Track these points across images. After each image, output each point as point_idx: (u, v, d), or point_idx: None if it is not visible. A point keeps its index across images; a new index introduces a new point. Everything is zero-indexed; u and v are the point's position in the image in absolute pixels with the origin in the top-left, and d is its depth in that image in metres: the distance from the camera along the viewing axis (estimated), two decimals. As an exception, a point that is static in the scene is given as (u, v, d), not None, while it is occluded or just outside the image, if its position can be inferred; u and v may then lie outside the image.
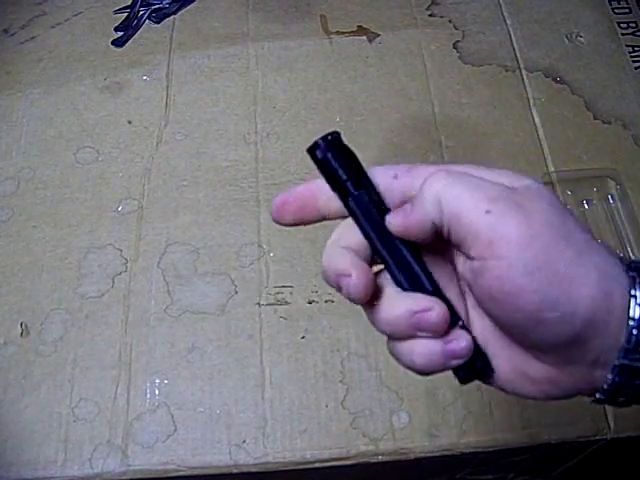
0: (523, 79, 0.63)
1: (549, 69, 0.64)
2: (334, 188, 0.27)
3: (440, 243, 0.27)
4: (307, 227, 0.55)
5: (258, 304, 0.52)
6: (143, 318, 0.51)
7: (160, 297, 0.52)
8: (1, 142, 0.61)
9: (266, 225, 0.56)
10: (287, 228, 0.56)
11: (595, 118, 0.61)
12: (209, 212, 0.56)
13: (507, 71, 0.64)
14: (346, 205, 0.27)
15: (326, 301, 0.52)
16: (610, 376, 0.24)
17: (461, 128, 0.61)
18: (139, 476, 0.46)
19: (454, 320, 0.26)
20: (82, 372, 0.49)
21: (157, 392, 0.48)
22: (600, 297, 0.23)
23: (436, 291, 0.26)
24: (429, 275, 0.27)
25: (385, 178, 0.28)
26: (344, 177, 0.27)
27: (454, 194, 0.25)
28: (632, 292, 0.23)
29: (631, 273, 0.24)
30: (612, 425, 0.47)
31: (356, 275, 0.26)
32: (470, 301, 0.27)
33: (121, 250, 0.55)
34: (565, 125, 0.60)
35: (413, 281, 0.26)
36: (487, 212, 0.24)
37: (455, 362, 0.26)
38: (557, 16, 0.68)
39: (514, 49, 0.65)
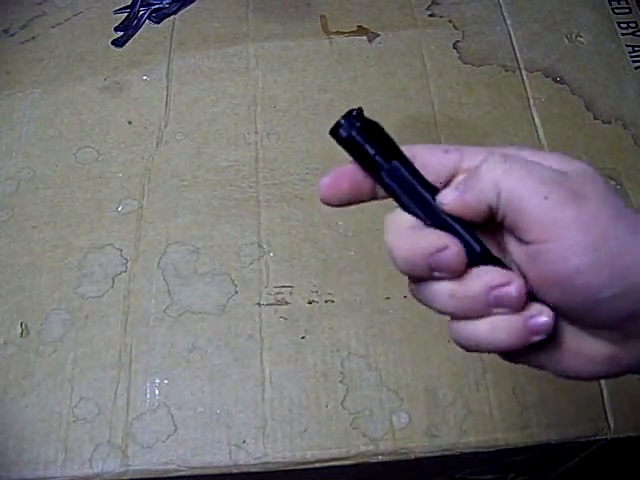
0: (523, 79, 0.63)
1: (549, 69, 0.64)
2: (365, 166, 0.26)
3: (487, 225, 0.26)
4: (307, 227, 0.56)
5: (258, 304, 0.52)
6: (143, 318, 0.51)
7: (160, 297, 0.52)
8: (1, 142, 0.61)
9: (266, 225, 0.56)
10: (287, 228, 0.56)
11: (595, 118, 0.61)
12: (209, 212, 0.56)
13: (507, 71, 0.64)
14: (380, 181, 0.26)
15: (326, 301, 0.52)
16: None
17: (461, 128, 0.61)
18: (139, 476, 0.46)
19: (531, 294, 0.25)
20: (82, 372, 0.49)
21: (157, 392, 0.48)
22: None
23: (500, 264, 0.26)
24: (486, 248, 0.26)
25: (435, 153, 0.27)
26: (372, 152, 0.26)
27: (514, 179, 0.24)
28: None
29: None
30: (612, 425, 0.47)
31: (453, 243, 0.25)
32: None
33: (121, 250, 0.55)
34: (565, 125, 0.60)
35: (472, 254, 0.25)
36: (545, 197, 0.24)
37: (537, 338, 0.25)
38: (557, 16, 0.68)
39: (514, 49, 0.65)
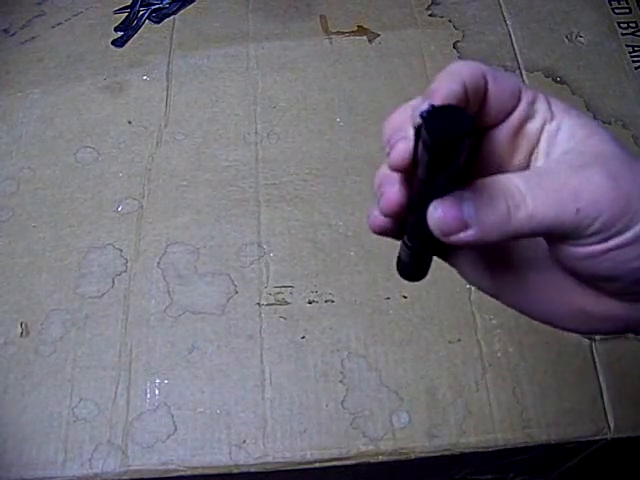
0: (523, 79, 0.63)
1: (549, 69, 0.64)
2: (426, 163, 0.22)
3: None
4: (307, 227, 0.56)
5: (258, 304, 0.52)
6: (143, 318, 0.51)
7: (160, 297, 0.52)
8: (1, 142, 0.61)
9: (266, 225, 0.56)
10: (287, 228, 0.56)
11: (595, 118, 0.61)
12: (209, 212, 0.56)
13: (507, 71, 0.64)
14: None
15: (326, 301, 0.52)
16: None
17: (461, 128, 0.60)
18: (139, 476, 0.46)
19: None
20: (82, 372, 0.49)
21: (157, 392, 0.48)
22: None
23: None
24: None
25: (508, 91, 0.26)
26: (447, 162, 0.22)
27: (539, 219, 0.23)
28: None
29: None
30: (612, 425, 0.47)
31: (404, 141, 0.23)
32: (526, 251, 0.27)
33: (121, 250, 0.55)
34: (565, 125, 0.60)
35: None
36: (577, 211, 0.22)
37: (380, 220, 0.27)
38: (557, 16, 0.68)
39: (514, 49, 0.66)
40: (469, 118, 0.21)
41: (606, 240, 0.23)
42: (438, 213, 0.23)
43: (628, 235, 0.23)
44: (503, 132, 0.26)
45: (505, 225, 0.23)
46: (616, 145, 0.25)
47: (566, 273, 0.26)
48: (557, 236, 0.24)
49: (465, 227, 0.23)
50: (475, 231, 0.23)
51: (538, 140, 0.26)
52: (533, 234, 0.23)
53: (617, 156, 0.24)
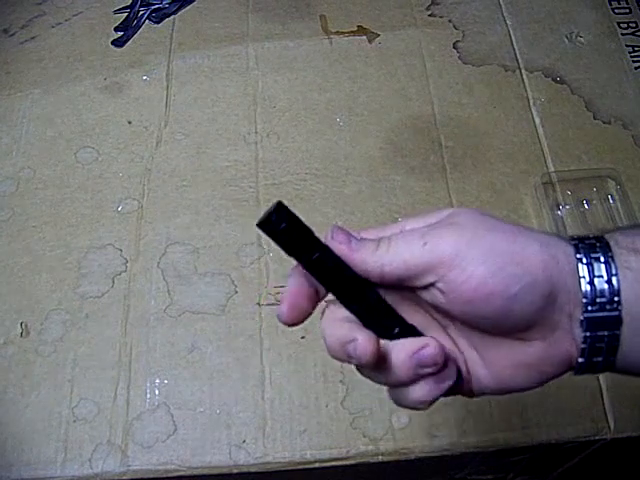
0: (523, 79, 0.63)
1: (549, 69, 0.64)
2: (292, 254, 0.28)
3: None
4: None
5: (258, 304, 0.52)
6: (143, 318, 0.51)
7: (160, 297, 0.52)
8: (1, 142, 0.61)
9: (266, 225, 0.55)
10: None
11: (595, 118, 0.61)
12: (209, 212, 0.56)
13: (507, 71, 0.64)
14: (309, 267, 0.29)
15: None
16: (581, 332, 0.27)
17: (461, 128, 0.61)
18: (139, 476, 0.46)
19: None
20: (82, 372, 0.49)
21: (157, 392, 0.48)
22: (549, 259, 0.27)
23: (403, 325, 0.29)
24: (394, 312, 0.29)
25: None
26: (302, 243, 0.28)
27: (393, 253, 0.28)
28: (577, 256, 0.27)
29: (573, 242, 0.28)
30: (612, 425, 0.47)
31: (361, 338, 0.28)
32: (452, 328, 0.30)
33: (121, 250, 0.55)
34: (565, 125, 0.60)
35: (383, 322, 0.29)
36: (424, 244, 0.27)
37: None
38: (557, 16, 0.68)
39: (514, 49, 0.66)
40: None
41: (462, 278, 0.26)
42: (337, 236, 0.29)
43: (478, 271, 0.26)
44: None
45: (375, 256, 0.28)
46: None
47: (479, 331, 0.29)
48: (418, 275, 0.27)
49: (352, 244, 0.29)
50: (357, 253, 0.29)
51: None
52: (398, 271, 0.28)
53: (468, 223, 0.28)
